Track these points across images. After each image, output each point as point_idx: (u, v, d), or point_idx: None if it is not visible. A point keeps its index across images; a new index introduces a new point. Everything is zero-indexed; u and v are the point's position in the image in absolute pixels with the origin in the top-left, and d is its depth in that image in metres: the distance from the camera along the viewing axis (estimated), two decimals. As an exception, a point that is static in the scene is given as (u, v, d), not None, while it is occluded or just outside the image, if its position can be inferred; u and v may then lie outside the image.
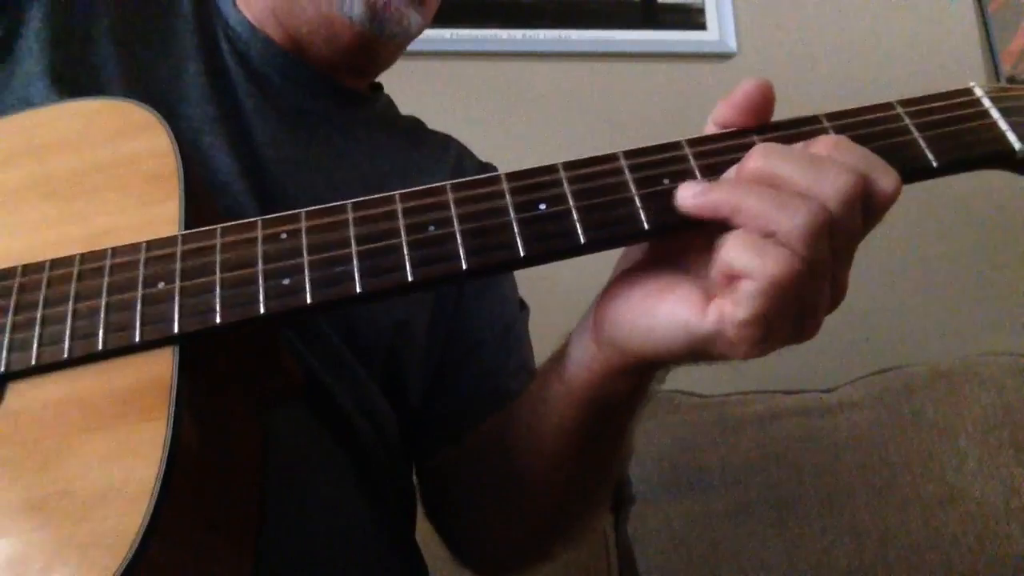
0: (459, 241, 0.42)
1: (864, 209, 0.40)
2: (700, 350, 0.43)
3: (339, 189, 0.70)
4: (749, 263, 0.39)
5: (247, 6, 0.76)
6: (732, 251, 0.40)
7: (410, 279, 0.42)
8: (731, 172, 0.43)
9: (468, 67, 1.66)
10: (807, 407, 1.22)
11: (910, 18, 1.76)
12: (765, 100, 0.45)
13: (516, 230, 0.42)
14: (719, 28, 1.73)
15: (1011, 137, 0.44)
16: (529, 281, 0.81)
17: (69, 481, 0.38)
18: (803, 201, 0.39)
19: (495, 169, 0.82)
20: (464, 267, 0.42)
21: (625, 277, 0.47)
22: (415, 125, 0.88)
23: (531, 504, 0.64)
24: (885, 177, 0.41)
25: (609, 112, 1.69)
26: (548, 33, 1.72)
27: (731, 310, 0.40)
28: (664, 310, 0.43)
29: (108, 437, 0.39)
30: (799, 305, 0.40)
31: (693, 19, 1.74)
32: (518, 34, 1.70)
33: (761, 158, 0.42)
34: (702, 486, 1.16)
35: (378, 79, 0.87)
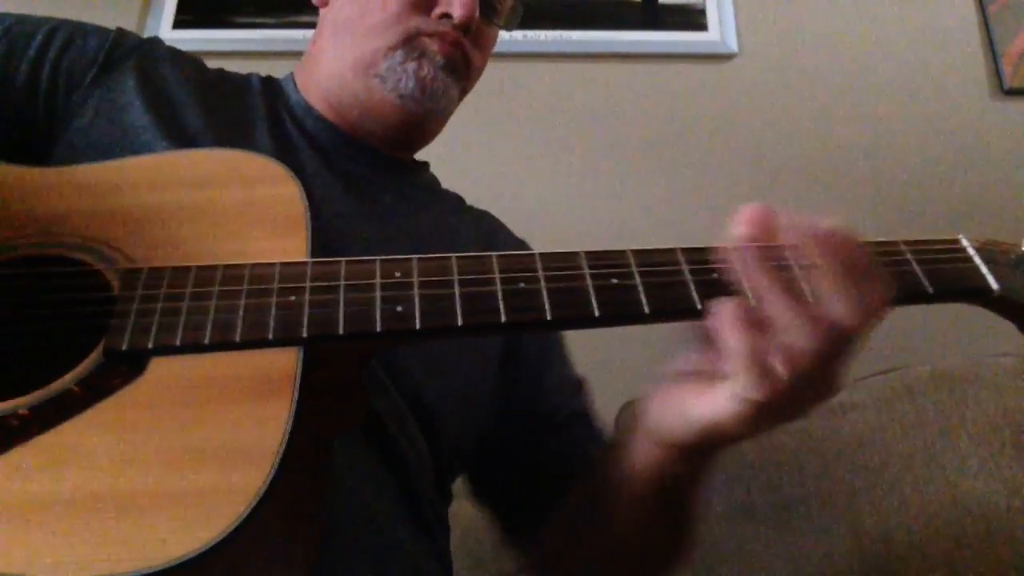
0: (545, 296, 0.51)
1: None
2: (723, 427, 0.51)
3: (386, 241, 0.78)
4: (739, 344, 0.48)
5: (305, 89, 0.87)
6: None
7: (503, 320, 0.50)
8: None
9: (469, 68, 1.67)
10: (808, 408, 1.22)
11: (911, 20, 1.76)
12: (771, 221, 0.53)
13: (592, 295, 0.51)
14: (720, 29, 1.73)
15: (990, 279, 0.55)
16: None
17: (204, 439, 0.45)
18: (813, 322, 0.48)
19: (529, 246, 0.94)
20: (549, 317, 0.51)
21: (668, 386, 0.55)
22: (454, 198, 0.96)
23: (608, 568, 0.71)
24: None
25: (610, 112, 1.69)
26: (549, 34, 1.73)
27: (736, 385, 0.49)
28: (695, 402, 0.52)
29: (238, 408, 0.47)
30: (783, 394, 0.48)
31: (694, 20, 1.74)
32: (519, 35, 1.71)
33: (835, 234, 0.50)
34: (703, 487, 1.16)
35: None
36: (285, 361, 0.49)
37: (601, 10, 1.76)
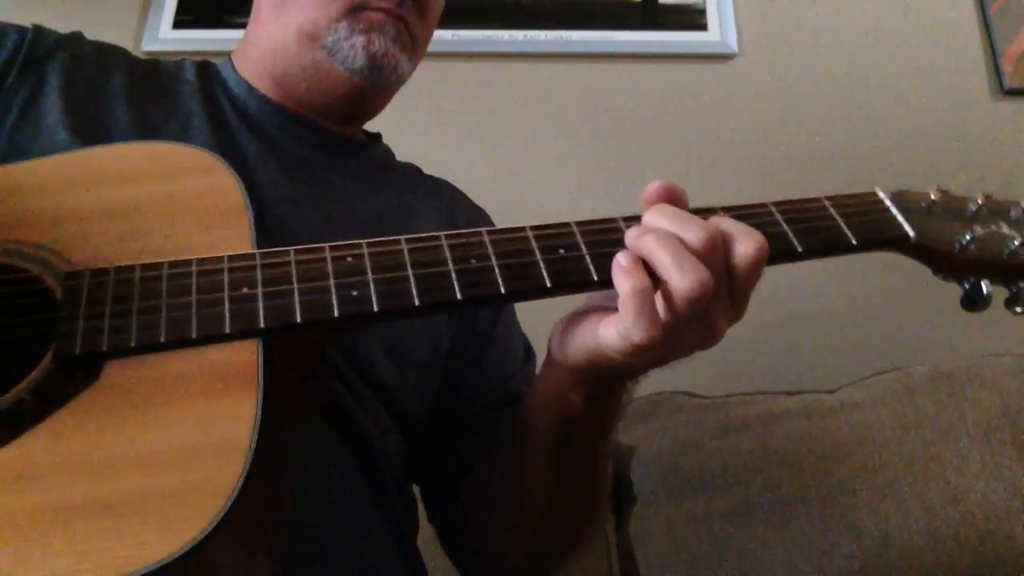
0: (497, 272, 0.52)
1: (728, 259, 0.52)
2: (606, 355, 0.53)
3: (334, 225, 0.76)
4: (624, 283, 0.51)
5: (245, 69, 0.84)
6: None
7: (458, 298, 0.51)
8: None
9: (469, 67, 1.67)
10: (809, 408, 1.22)
11: (911, 20, 1.76)
12: (673, 195, 0.57)
13: (543, 267, 0.53)
14: (720, 29, 1.73)
15: (906, 227, 0.59)
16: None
17: (170, 438, 0.44)
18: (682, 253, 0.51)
19: (487, 214, 0.93)
20: (502, 291, 0.52)
21: (578, 315, 0.57)
22: (412, 171, 0.94)
23: (522, 521, 0.71)
24: (746, 239, 0.52)
25: (610, 113, 1.69)
26: (549, 34, 1.73)
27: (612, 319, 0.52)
28: (588, 329, 0.55)
29: (201, 405, 0.46)
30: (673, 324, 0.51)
31: (694, 20, 1.74)
32: (519, 35, 1.71)
33: (654, 214, 0.54)
34: (704, 487, 1.16)
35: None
36: (244, 353, 0.48)
37: (601, 10, 1.76)
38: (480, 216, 0.92)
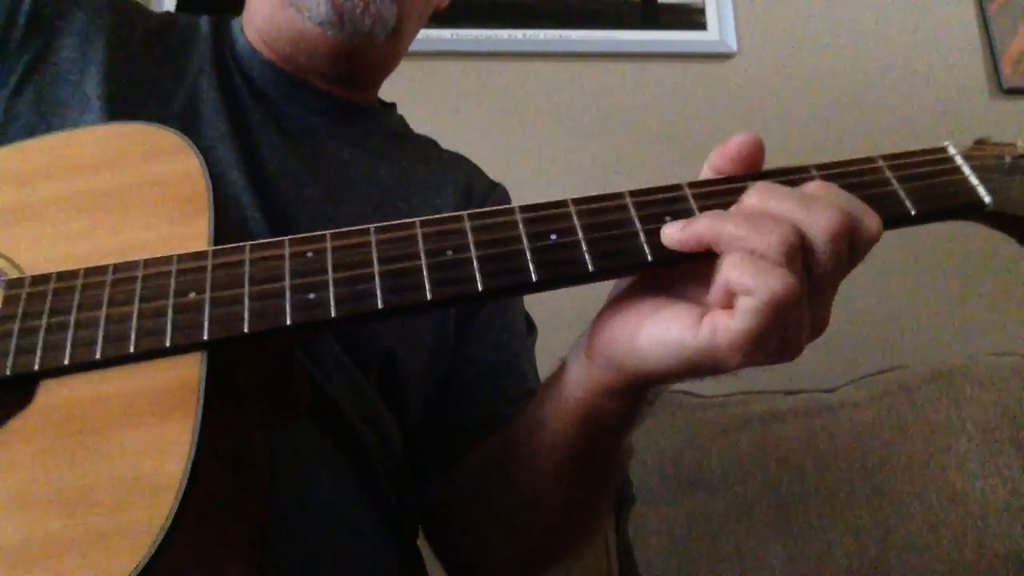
0: (475, 265, 0.45)
1: (849, 247, 0.44)
2: (694, 364, 0.45)
3: (339, 200, 0.72)
4: (750, 281, 0.41)
5: (249, 34, 0.80)
6: (733, 270, 0.42)
7: (428, 298, 0.44)
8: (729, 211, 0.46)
9: (468, 67, 1.66)
10: (808, 407, 1.22)
11: (910, 20, 1.76)
12: (756, 152, 0.49)
13: (529, 257, 0.45)
14: (719, 28, 1.73)
15: (981, 191, 0.48)
16: (535, 301, 0.82)
17: (98, 474, 0.40)
18: (775, 222, 0.43)
19: (504, 189, 0.87)
20: (480, 288, 0.45)
21: (619, 300, 0.49)
22: (427, 143, 0.89)
23: (528, 524, 0.65)
24: (869, 218, 0.45)
25: (609, 112, 1.69)
26: (549, 33, 1.72)
27: (726, 322, 0.42)
28: (660, 329, 0.45)
29: (137, 433, 0.41)
30: (787, 324, 0.42)
31: (693, 19, 1.74)
32: (519, 34, 1.70)
33: (757, 195, 0.45)
34: (703, 486, 1.16)
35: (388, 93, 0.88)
36: (188, 369, 0.43)
37: (601, 10, 1.76)
38: (493, 189, 0.88)
